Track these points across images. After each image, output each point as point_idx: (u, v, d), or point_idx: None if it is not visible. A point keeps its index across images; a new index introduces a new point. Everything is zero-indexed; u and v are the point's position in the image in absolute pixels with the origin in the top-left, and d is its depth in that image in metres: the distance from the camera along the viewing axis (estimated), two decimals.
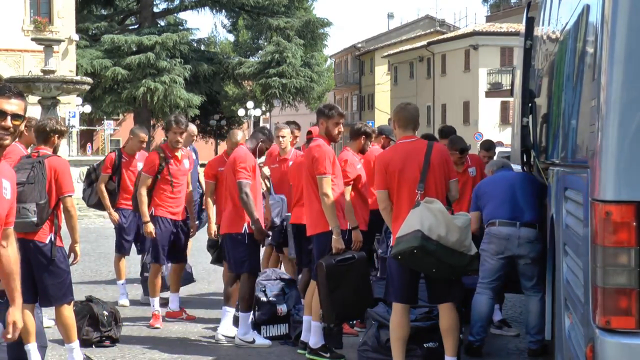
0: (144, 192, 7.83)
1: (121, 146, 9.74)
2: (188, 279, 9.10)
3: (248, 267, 7.14)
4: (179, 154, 7.98)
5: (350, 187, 7.14)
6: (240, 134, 7.86)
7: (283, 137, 8.40)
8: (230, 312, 7.28)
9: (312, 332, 6.63)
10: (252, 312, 7.23)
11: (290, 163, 8.21)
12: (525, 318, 7.19)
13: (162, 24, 46.23)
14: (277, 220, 7.95)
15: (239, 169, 7.08)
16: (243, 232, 7.12)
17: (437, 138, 7.68)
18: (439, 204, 5.63)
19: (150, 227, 7.79)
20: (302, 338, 6.89)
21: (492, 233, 6.79)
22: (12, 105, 3.62)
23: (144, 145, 9.04)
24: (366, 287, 6.64)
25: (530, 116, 7.02)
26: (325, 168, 6.48)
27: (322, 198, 6.44)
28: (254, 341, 7.05)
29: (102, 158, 10.24)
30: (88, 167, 9.70)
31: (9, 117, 3.60)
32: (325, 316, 6.55)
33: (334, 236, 6.44)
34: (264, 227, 7.21)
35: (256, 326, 7.30)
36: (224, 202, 7.44)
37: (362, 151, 7.62)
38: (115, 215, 8.90)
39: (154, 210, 7.89)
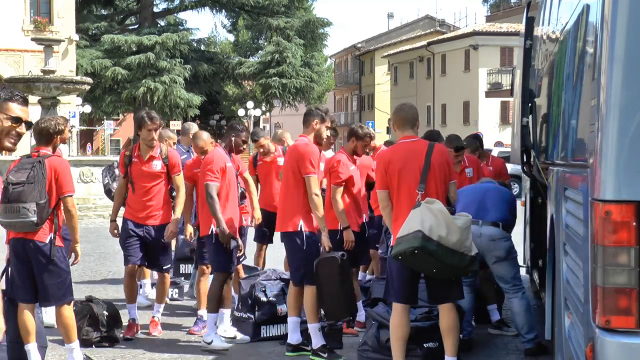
0: (118, 191, 7.71)
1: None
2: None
3: (215, 267, 7.18)
4: (146, 154, 7.43)
5: (342, 188, 7.17)
6: (205, 135, 7.98)
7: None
8: (226, 313, 7.28)
9: (311, 334, 6.64)
10: (218, 313, 7.13)
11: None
12: (513, 321, 7.20)
13: (162, 24, 46.30)
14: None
15: (206, 171, 7.08)
16: (210, 233, 7.11)
17: (441, 135, 7.67)
18: (440, 204, 5.63)
19: (111, 227, 7.59)
20: (288, 340, 6.84)
21: None
22: (24, 112, 3.65)
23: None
24: (352, 284, 6.89)
25: (530, 116, 7.03)
26: (313, 167, 6.55)
27: (312, 198, 6.52)
28: (211, 342, 6.95)
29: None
30: (110, 164, 9.76)
31: (24, 124, 3.62)
32: (337, 313, 6.64)
33: (323, 235, 6.60)
34: (236, 229, 7.16)
35: (256, 326, 7.30)
36: (198, 204, 7.49)
37: (354, 152, 7.62)
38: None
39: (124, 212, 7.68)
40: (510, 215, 7.04)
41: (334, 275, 6.49)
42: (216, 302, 7.05)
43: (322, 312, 6.70)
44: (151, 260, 7.61)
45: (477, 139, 9.14)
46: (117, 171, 9.02)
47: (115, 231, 7.60)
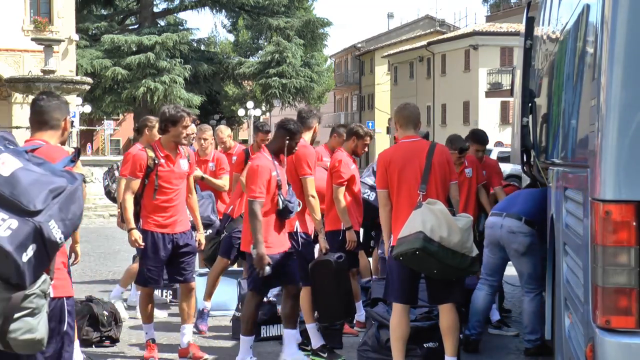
0: (128, 197, 6.56)
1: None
2: None
3: (249, 284, 6.43)
4: (174, 152, 6.62)
5: (343, 188, 7.17)
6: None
7: (205, 139, 8.58)
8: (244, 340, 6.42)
9: (310, 334, 6.64)
10: (253, 336, 6.41)
11: (211, 165, 8.57)
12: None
13: (162, 24, 46.30)
14: (213, 217, 8.15)
15: (250, 184, 6.56)
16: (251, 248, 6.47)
17: (486, 135, 7.80)
18: (441, 205, 5.63)
19: (135, 235, 6.50)
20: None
21: (486, 224, 7.07)
22: None
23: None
24: (349, 286, 6.84)
25: (530, 116, 7.03)
26: (310, 168, 6.55)
27: (309, 200, 6.53)
28: None
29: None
30: (109, 167, 9.68)
31: None
32: (331, 315, 6.66)
33: (320, 236, 6.63)
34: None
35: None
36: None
37: (354, 152, 7.63)
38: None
39: (141, 223, 6.62)
40: (538, 213, 6.65)
41: (328, 278, 6.50)
42: (249, 324, 6.26)
43: (316, 313, 6.70)
44: (175, 272, 6.76)
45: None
46: (116, 173, 8.95)
47: (140, 240, 6.55)
